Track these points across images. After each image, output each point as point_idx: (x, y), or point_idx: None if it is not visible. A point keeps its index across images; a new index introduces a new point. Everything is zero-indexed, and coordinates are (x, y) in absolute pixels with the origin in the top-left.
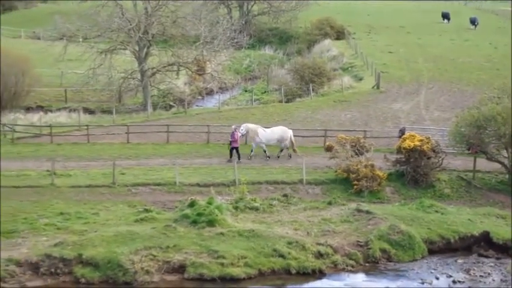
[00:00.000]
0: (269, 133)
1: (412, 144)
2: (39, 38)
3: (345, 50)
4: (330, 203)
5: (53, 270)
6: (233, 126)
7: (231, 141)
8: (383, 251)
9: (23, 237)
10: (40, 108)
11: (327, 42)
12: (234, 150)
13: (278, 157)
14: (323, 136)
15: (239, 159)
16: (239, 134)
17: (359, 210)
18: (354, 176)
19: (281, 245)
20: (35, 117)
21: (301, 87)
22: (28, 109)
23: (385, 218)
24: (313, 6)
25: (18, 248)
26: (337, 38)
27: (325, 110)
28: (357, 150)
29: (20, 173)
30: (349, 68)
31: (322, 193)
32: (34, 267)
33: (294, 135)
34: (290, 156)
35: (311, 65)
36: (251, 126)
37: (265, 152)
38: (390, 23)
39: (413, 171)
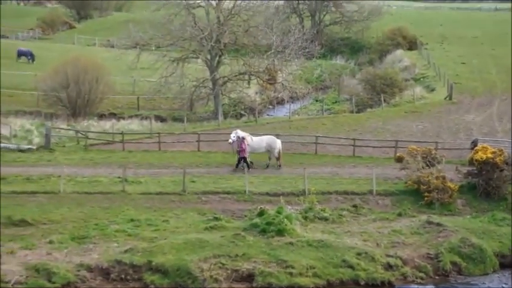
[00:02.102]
0: (256, 142)
1: (484, 156)
2: (112, 46)
3: (417, 61)
4: (399, 215)
5: (123, 276)
6: (239, 135)
7: (238, 151)
8: (453, 264)
9: (94, 243)
10: (113, 115)
11: (399, 52)
12: (242, 160)
13: (279, 166)
14: (394, 147)
15: (248, 168)
16: (246, 143)
17: (429, 222)
18: (424, 187)
19: (350, 255)
20: (108, 124)
21: (372, 98)
22: (101, 116)
23: (456, 231)
24: (385, 16)
25: (90, 253)
26: (409, 49)
27: (396, 120)
28: (428, 162)
29: (92, 179)
30: (421, 79)
31: (392, 204)
32: (104, 273)
33: (365, 146)
34: (267, 166)
35: (382, 75)
36: (241, 134)
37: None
38: (463, 34)
39: (486, 183)
